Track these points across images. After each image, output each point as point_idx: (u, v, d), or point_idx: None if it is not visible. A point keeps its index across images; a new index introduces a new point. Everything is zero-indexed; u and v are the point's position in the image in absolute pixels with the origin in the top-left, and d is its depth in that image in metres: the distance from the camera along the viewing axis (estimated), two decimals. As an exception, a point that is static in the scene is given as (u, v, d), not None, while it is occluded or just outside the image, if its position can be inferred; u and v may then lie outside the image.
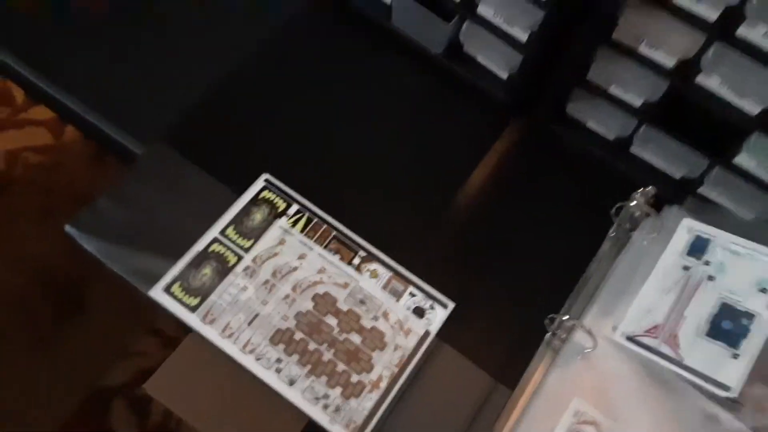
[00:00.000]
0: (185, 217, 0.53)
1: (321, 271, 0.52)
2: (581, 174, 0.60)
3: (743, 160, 0.52)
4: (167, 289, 0.49)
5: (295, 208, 0.54)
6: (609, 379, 0.49)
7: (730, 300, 0.49)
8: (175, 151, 0.56)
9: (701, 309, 0.49)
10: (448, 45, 0.61)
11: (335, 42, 0.65)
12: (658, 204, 0.56)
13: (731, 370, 0.47)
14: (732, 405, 0.48)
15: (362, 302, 0.51)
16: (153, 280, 0.50)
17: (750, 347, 0.47)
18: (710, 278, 0.50)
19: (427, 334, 0.51)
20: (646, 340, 0.49)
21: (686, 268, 0.51)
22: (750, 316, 0.48)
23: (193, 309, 0.49)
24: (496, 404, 0.49)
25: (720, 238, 0.52)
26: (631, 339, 0.50)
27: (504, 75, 0.61)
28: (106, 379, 0.94)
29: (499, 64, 0.60)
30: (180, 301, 0.49)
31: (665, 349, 0.49)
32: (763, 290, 0.49)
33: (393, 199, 0.57)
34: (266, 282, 0.51)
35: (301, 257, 0.52)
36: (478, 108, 0.62)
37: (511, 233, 0.57)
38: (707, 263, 0.51)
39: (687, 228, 0.53)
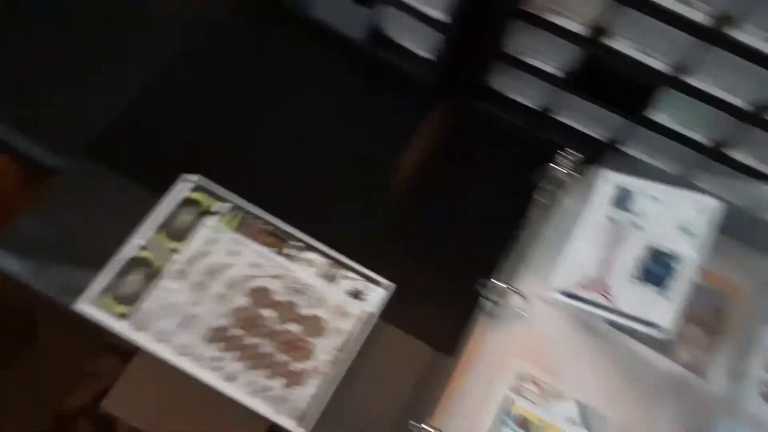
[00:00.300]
0: (111, 227, 0.53)
1: (255, 265, 0.52)
2: (508, 144, 0.62)
3: (655, 115, 0.54)
4: (93, 301, 0.49)
5: (224, 206, 0.54)
6: (546, 337, 0.51)
7: (656, 244, 0.51)
8: (97, 162, 0.56)
9: (629, 256, 0.52)
10: (371, 31, 0.62)
11: (258, 39, 0.65)
12: (583, 165, 0.58)
13: (662, 309, 0.49)
14: (665, 347, 0.50)
15: (299, 291, 0.52)
16: (80, 293, 0.49)
17: (678, 286, 0.49)
18: (635, 226, 0.53)
19: (366, 315, 0.51)
20: (579, 293, 0.51)
21: (612, 219, 0.53)
22: (676, 257, 0.51)
23: (122, 317, 0.49)
24: (439, 374, 0.50)
25: (641, 188, 0.54)
26: (565, 294, 0.51)
27: (427, 56, 0.62)
28: (68, 402, 0.92)
29: (421, 46, 0.62)
30: (108, 311, 0.49)
31: (598, 299, 0.50)
32: (686, 232, 0.51)
33: (325, 188, 0.58)
34: (199, 282, 0.51)
35: (234, 254, 0.52)
36: (405, 91, 0.63)
37: (445, 209, 0.58)
38: (631, 212, 0.53)
39: (610, 181, 0.55)
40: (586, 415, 0.47)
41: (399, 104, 0.63)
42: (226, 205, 0.54)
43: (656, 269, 0.50)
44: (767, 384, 0.50)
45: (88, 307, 0.49)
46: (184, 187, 0.55)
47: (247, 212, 0.54)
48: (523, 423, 0.47)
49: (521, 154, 0.61)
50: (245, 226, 0.54)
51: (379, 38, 0.63)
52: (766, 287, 0.55)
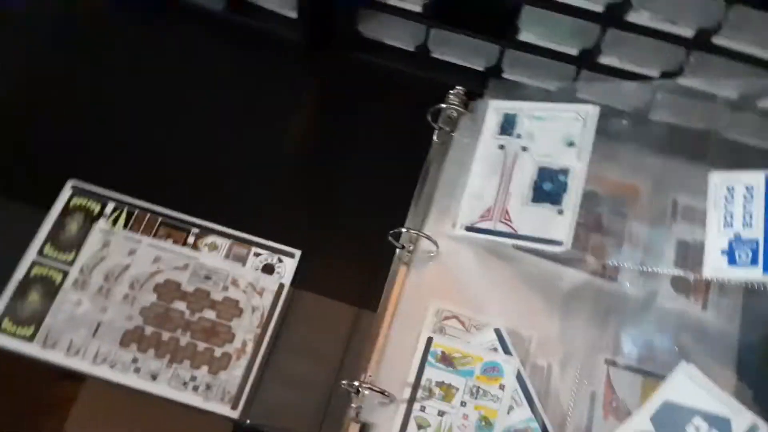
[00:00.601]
0: (-4, 251, 0.51)
1: (156, 260, 0.51)
2: (394, 92, 0.62)
3: (524, 35, 0.55)
4: (-4, 328, 0.48)
5: (111, 206, 0.53)
6: (460, 274, 0.53)
7: (545, 163, 0.53)
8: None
9: (523, 179, 0.53)
10: (227, -1, 0.61)
11: (118, 26, 0.62)
12: (471, 100, 0.59)
13: (559, 225, 0.51)
14: (573, 260, 0.53)
15: (207, 278, 0.51)
16: (-24, 324, 0.48)
17: (571, 199, 0.52)
18: (524, 149, 0.54)
19: (281, 287, 0.52)
20: (482, 225, 0.53)
21: (501, 147, 0.55)
22: (565, 171, 0.53)
23: (29, 339, 0.48)
24: (365, 330, 0.51)
25: (524, 110, 0.56)
26: (469, 228, 0.53)
27: (292, 14, 0.61)
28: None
29: (283, 3, 0.61)
30: (13, 335, 0.48)
31: (501, 227, 0.52)
32: (570, 144, 0.53)
33: (215, 169, 0.57)
34: (100, 289, 0.50)
35: (131, 253, 0.51)
36: (278, 55, 0.63)
37: (343, 168, 0.59)
38: (518, 136, 0.55)
39: (494, 110, 0.57)
40: (505, 339, 0.49)
41: (275, 69, 0.62)
42: (111, 205, 0.53)
43: (549, 187, 0.52)
44: (677, 277, 0.53)
45: (-12, 336, 0.47)
46: (65, 193, 0.53)
47: (136, 208, 0.53)
48: (446, 359, 0.49)
49: (411, 99, 0.61)
50: (137, 223, 0.53)
51: (238, 4, 0.61)
52: (660, 184, 0.57)
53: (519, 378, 0.48)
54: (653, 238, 0.55)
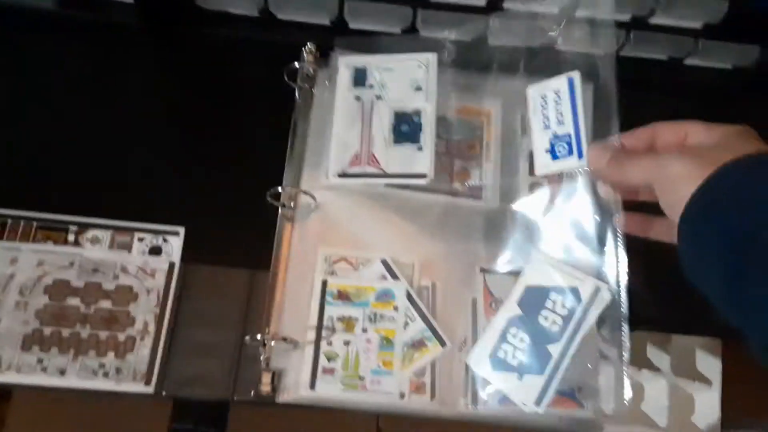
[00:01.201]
0: None
1: (40, 264, 0.54)
2: (248, 59, 0.66)
3: (357, -16, 0.60)
4: None
5: (-18, 220, 0.54)
6: (339, 219, 0.58)
7: (399, 107, 0.60)
8: None
9: (382, 124, 0.59)
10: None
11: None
12: (323, 55, 0.63)
13: (421, 160, 0.58)
14: (440, 187, 0.59)
15: (95, 270, 0.54)
16: None
17: (427, 136, 0.58)
18: (378, 97, 0.60)
19: (171, 265, 0.55)
20: (353, 170, 0.58)
21: (357, 98, 0.61)
22: (417, 112, 0.59)
23: (-75, 365, 0.49)
24: (262, 290, 0.55)
25: (373, 63, 0.61)
26: (342, 175, 0.58)
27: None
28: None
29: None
30: None
31: (370, 170, 0.58)
32: (418, 89, 0.59)
33: (81, 164, 0.59)
34: (-11, 301, 0.51)
35: (13, 262, 0.53)
36: (122, 42, 0.65)
37: (212, 141, 0.62)
38: (371, 87, 0.61)
39: (344, 65, 0.62)
40: (391, 266, 0.55)
41: (121, 57, 0.65)
42: (-15, 218, 0.54)
43: (406, 129, 0.59)
44: (532, 184, 0.61)
45: None
46: (-69, 217, 0.53)
47: (7, 218, 0.55)
48: (342, 295, 0.55)
49: (266, 63, 0.65)
50: (12, 232, 0.55)
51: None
52: (509, 104, 0.64)
53: (409, 297, 0.55)
54: (507, 154, 0.63)
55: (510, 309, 0.52)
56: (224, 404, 0.72)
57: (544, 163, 0.54)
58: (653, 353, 0.70)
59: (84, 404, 0.54)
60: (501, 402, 0.53)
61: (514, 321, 0.53)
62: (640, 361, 0.70)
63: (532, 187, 0.62)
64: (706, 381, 0.68)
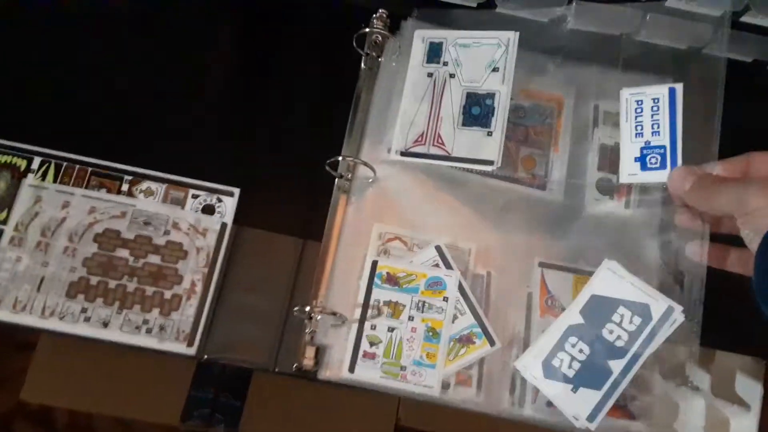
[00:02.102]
0: None
1: (91, 211, 0.54)
2: (317, 19, 0.64)
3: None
4: (-67, 294, 0.49)
5: (37, 161, 0.55)
6: (397, 196, 0.58)
7: (472, 88, 0.58)
8: None
9: (452, 105, 0.58)
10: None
11: None
12: (395, 23, 0.62)
13: (489, 146, 0.56)
14: (505, 173, 0.58)
15: (147, 223, 0.54)
16: None
17: (498, 121, 0.57)
18: (451, 76, 0.59)
19: (224, 226, 0.55)
20: (416, 149, 0.57)
21: (430, 74, 0.59)
22: (491, 95, 0.58)
23: (-30, 301, 0.50)
24: (311, 260, 0.55)
25: (449, 39, 0.60)
26: (404, 153, 0.57)
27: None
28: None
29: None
30: (-48, 299, 0.50)
31: (435, 151, 0.57)
32: (494, 69, 0.58)
33: (139, 115, 0.59)
34: (38, 244, 0.52)
35: (65, 206, 0.53)
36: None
37: (272, 101, 0.61)
38: (445, 64, 0.59)
39: (420, 38, 0.60)
40: (445, 254, 0.55)
41: (182, 14, 0.63)
42: (38, 160, 0.54)
43: (477, 111, 0.58)
44: (601, 180, 0.59)
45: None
46: (-14, 152, 0.54)
47: (64, 160, 0.55)
48: (391, 279, 0.54)
49: (335, 25, 0.64)
50: (67, 176, 0.55)
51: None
52: (583, 93, 0.63)
53: (461, 289, 0.54)
54: (578, 146, 0.61)
55: (571, 316, 0.51)
56: (246, 375, 0.74)
57: (630, 172, 0.53)
58: (694, 371, 0.69)
59: (104, 358, 0.54)
60: (548, 406, 0.53)
61: (575, 330, 0.51)
62: (679, 377, 0.70)
63: (600, 184, 0.60)
64: (744, 405, 0.67)
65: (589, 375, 0.49)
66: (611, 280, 0.51)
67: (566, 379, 0.50)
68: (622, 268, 0.52)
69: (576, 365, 0.50)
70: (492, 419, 0.53)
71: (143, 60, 0.61)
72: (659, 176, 0.51)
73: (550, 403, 0.52)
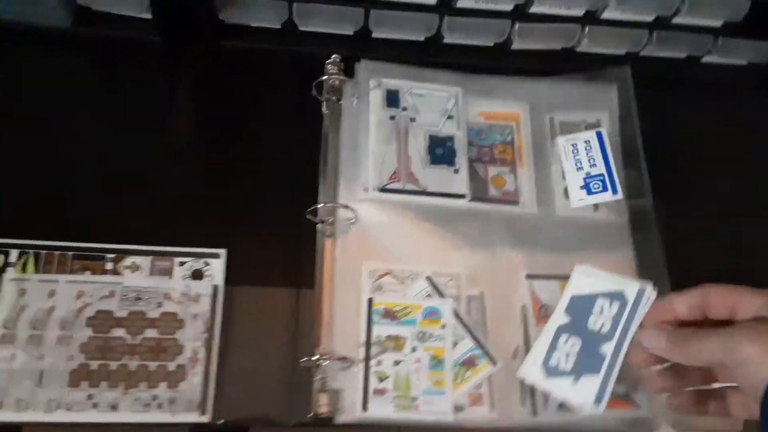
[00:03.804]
0: None
1: (80, 295, 0.55)
2: (272, 72, 0.68)
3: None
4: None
5: (15, 253, 0.56)
6: (380, 233, 0.61)
7: (433, 131, 0.65)
8: None
9: (417, 145, 0.65)
10: (74, 12, 0.63)
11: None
12: (348, 66, 0.67)
13: (458, 181, 0.64)
14: (477, 196, 0.63)
15: (138, 299, 0.56)
16: None
17: (461, 159, 0.65)
18: (412, 120, 0.66)
19: (215, 289, 0.57)
20: (393, 186, 0.62)
21: (392, 117, 0.65)
22: (450, 138, 0.65)
23: (-30, 408, 0.50)
24: (308, 308, 0.58)
25: (404, 87, 0.67)
26: (382, 190, 0.61)
27: (147, 15, 0.65)
28: None
29: (135, 6, 0.64)
30: (-50, 409, 0.50)
31: (410, 187, 0.62)
32: (449, 117, 0.66)
33: (112, 190, 0.61)
34: (30, 337, 0.53)
35: (51, 295, 0.55)
36: (143, 60, 0.66)
37: (242, 158, 0.64)
38: (404, 109, 0.66)
39: (376, 85, 0.66)
40: (436, 284, 0.59)
41: (142, 75, 0.66)
42: (15, 252, 0.56)
43: (440, 152, 0.64)
44: (565, 189, 0.65)
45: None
46: (-40, 253, 0.55)
47: (42, 249, 0.56)
48: (389, 314, 0.58)
49: (290, 76, 0.68)
50: (48, 264, 0.56)
51: (85, 17, 0.64)
52: (536, 107, 0.69)
53: (456, 315, 0.58)
54: (540, 158, 0.67)
55: (558, 318, 0.56)
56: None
57: (579, 197, 0.65)
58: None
59: None
60: (559, 408, 0.58)
61: (564, 329, 0.56)
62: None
63: (567, 190, 0.66)
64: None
65: (585, 363, 0.53)
66: (585, 280, 0.57)
67: (566, 373, 0.53)
68: (593, 269, 0.57)
69: (572, 358, 0.54)
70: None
71: (106, 138, 0.62)
72: (604, 197, 0.65)
73: (561, 405, 0.57)
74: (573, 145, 0.66)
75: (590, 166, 0.65)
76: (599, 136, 0.66)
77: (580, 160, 0.66)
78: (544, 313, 0.60)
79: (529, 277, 0.62)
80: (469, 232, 0.62)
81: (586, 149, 0.66)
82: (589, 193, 0.65)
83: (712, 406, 0.48)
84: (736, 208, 0.70)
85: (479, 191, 0.64)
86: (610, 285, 0.55)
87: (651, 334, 0.48)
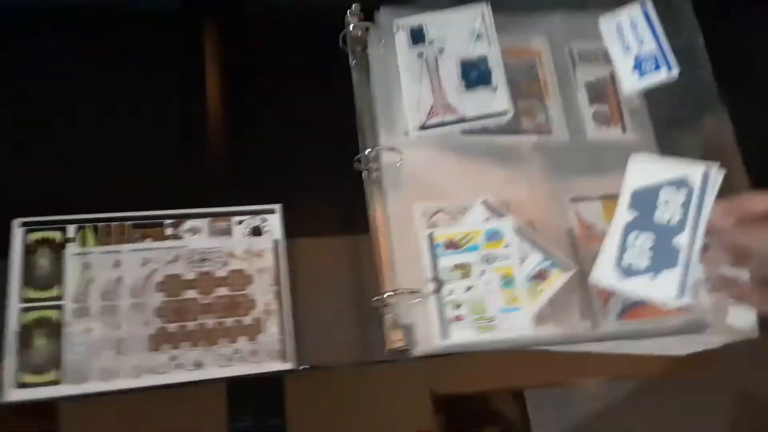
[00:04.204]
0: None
1: (145, 263, 0.55)
2: (294, 30, 0.68)
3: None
4: (17, 384, 0.50)
5: (72, 229, 0.55)
6: (426, 172, 0.63)
7: (463, 57, 0.66)
8: None
9: (450, 75, 0.65)
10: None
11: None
12: (371, 13, 0.67)
13: (498, 98, 0.64)
14: (512, 128, 0.65)
15: (203, 260, 0.56)
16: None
17: (498, 76, 0.64)
18: (441, 51, 0.66)
19: (276, 243, 0.58)
20: (433, 121, 0.63)
21: (420, 54, 0.65)
22: (483, 57, 0.65)
23: (56, 382, 0.50)
24: (367, 252, 0.59)
25: (428, 20, 0.67)
26: (423, 127, 0.63)
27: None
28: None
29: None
30: (39, 384, 0.50)
31: (450, 118, 0.63)
32: (477, 36, 0.66)
33: (150, 160, 0.61)
34: (103, 308, 0.53)
35: (116, 265, 0.55)
36: (167, 29, 0.66)
37: (278, 117, 0.65)
38: (431, 42, 0.66)
39: (400, 27, 0.66)
40: (493, 207, 0.60)
41: (168, 45, 0.66)
42: (72, 228, 0.55)
43: (475, 74, 0.65)
44: (595, 112, 0.67)
45: (18, 393, 0.49)
46: (17, 234, 0.54)
47: (98, 222, 0.56)
48: (451, 244, 0.59)
49: (313, 31, 0.68)
50: (106, 236, 0.56)
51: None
52: (555, 40, 0.71)
53: (518, 232, 0.60)
54: (565, 86, 0.69)
55: (622, 217, 0.54)
56: (277, 391, 0.76)
57: (631, 81, 0.62)
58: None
59: (135, 407, 0.55)
60: (618, 317, 0.60)
61: (631, 226, 0.54)
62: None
63: (596, 116, 0.68)
64: None
65: (661, 258, 0.53)
66: (643, 170, 0.55)
67: (643, 271, 0.53)
68: (650, 156, 0.56)
69: (646, 255, 0.53)
70: (522, 366, 0.60)
71: (143, 110, 0.62)
72: (659, 76, 0.62)
73: (620, 314, 0.59)
74: (617, 24, 0.65)
75: (639, 45, 0.64)
76: (645, 11, 0.64)
77: (626, 40, 0.64)
78: (590, 233, 0.62)
79: (573, 200, 0.64)
80: (509, 164, 0.64)
81: (632, 27, 0.65)
82: (642, 74, 0.63)
83: None
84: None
85: (513, 124, 0.66)
86: (671, 172, 0.53)
87: (722, 210, 0.48)
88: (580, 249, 0.62)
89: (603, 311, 0.60)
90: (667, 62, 0.62)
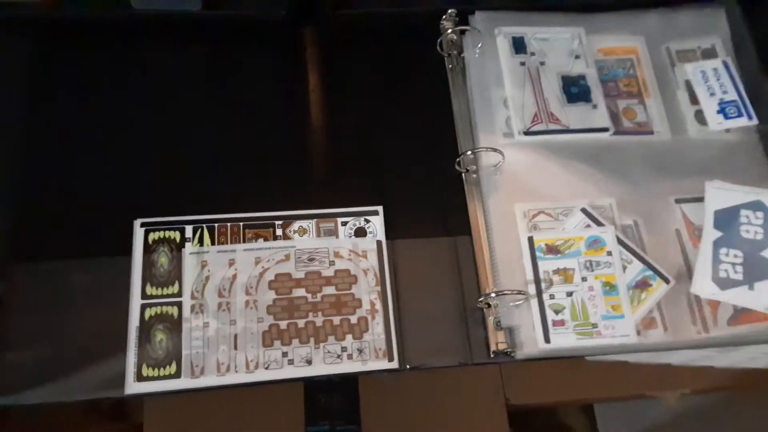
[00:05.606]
0: (98, 310, 0.54)
1: (257, 261, 0.57)
2: (394, 36, 0.69)
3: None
4: (139, 378, 0.52)
5: (189, 229, 0.58)
6: (527, 174, 0.63)
7: (563, 72, 0.67)
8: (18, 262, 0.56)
9: (552, 87, 0.66)
10: (202, -3, 0.65)
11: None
12: (465, 18, 0.68)
13: (598, 116, 0.65)
14: (612, 129, 0.64)
15: (311, 259, 0.58)
16: (119, 383, 0.52)
17: (597, 94, 0.66)
18: (542, 63, 0.67)
19: (379, 243, 0.59)
20: (537, 128, 0.63)
21: (522, 63, 0.66)
22: (582, 76, 0.67)
23: (175, 375, 0.53)
24: (467, 254, 0.60)
25: (529, 34, 0.68)
26: (527, 133, 0.63)
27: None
28: None
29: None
30: (159, 377, 0.52)
31: (554, 127, 0.63)
32: (576, 57, 0.68)
33: (260, 165, 0.63)
34: (219, 305, 0.55)
35: (232, 264, 0.57)
36: (270, 37, 0.68)
37: (378, 121, 0.66)
38: (533, 54, 0.67)
39: (502, 36, 0.68)
40: (592, 213, 0.60)
41: (272, 51, 0.68)
42: (190, 228, 0.58)
43: (575, 90, 0.66)
44: (697, 112, 0.66)
45: (138, 386, 0.52)
46: (138, 234, 0.57)
47: (214, 222, 0.58)
48: (551, 249, 0.59)
49: (410, 36, 0.69)
50: (222, 235, 0.58)
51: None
52: (650, 37, 0.70)
53: (619, 241, 0.59)
54: (664, 86, 0.68)
55: (709, 234, 0.59)
56: (353, 397, 0.76)
57: (717, 121, 0.65)
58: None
59: (207, 412, 0.56)
60: (729, 321, 0.58)
61: (720, 242, 0.59)
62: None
63: (698, 115, 0.67)
64: None
65: (753, 269, 0.58)
66: (720, 194, 0.61)
67: (739, 283, 0.57)
68: (723, 182, 0.61)
69: (739, 268, 0.58)
70: (599, 378, 0.58)
71: (248, 114, 0.65)
72: (741, 122, 0.65)
73: (731, 319, 0.58)
74: (702, 72, 0.67)
75: (722, 93, 0.66)
76: (726, 64, 0.67)
77: (711, 86, 0.67)
78: (698, 234, 0.61)
79: (679, 201, 0.62)
80: (611, 165, 0.63)
81: (715, 76, 0.67)
82: (726, 117, 0.65)
83: None
84: None
85: (615, 125, 0.65)
86: (744, 195, 0.61)
87: None
88: (687, 249, 0.61)
89: (713, 316, 0.58)
90: (748, 112, 0.65)
